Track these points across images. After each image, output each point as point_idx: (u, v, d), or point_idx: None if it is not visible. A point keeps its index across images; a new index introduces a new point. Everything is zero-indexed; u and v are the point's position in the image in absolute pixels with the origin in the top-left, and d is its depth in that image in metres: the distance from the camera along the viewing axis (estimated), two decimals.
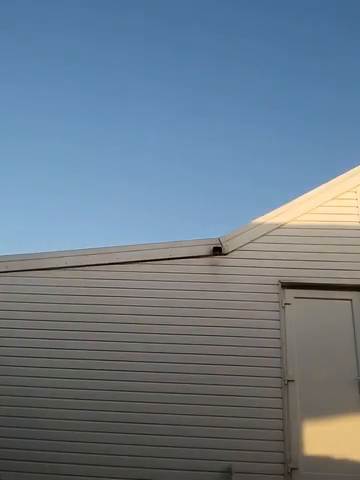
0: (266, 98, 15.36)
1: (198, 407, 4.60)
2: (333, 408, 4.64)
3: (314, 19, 13.96)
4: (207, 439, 4.47)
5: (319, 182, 5.68)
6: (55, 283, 5.21)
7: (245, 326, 4.90)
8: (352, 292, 5.07)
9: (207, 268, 5.25)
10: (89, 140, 16.02)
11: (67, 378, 4.74)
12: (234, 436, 4.47)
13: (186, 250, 5.33)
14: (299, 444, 4.49)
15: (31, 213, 16.75)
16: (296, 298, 5.09)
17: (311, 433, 4.55)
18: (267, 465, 4.35)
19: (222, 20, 13.99)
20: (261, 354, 4.78)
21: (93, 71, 15.03)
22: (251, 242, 5.35)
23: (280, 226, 5.43)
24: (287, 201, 5.59)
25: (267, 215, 5.50)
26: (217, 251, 5.27)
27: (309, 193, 5.60)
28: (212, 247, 5.29)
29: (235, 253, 5.31)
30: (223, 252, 5.28)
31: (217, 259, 5.29)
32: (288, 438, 4.48)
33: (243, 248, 5.32)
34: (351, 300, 5.06)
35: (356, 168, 5.72)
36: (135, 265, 5.28)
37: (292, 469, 4.35)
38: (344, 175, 5.69)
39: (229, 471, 4.29)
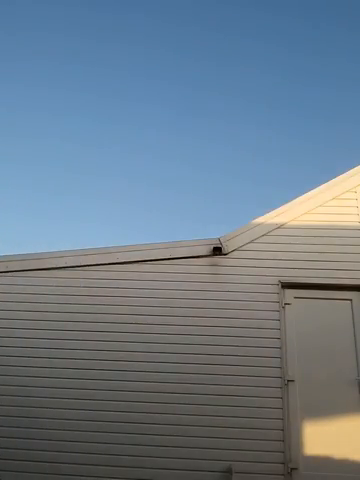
0: (266, 98, 15.38)
1: (198, 407, 4.60)
2: (333, 408, 4.63)
3: (314, 19, 13.98)
4: (207, 439, 4.47)
5: (319, 182, 5.69)
6: (55, 283, 5.21)
7: (245, 326, 4.90)
8: (352, 292, 5.07)
9: (207, 268, 5.25)
10: (89, 140, 16.04)
11: (67, 378, 4.74)
12: (234, 436, 4.47)
13: (186, 250, 5.33)
14: (299, 444, 4.49)
15: (31, 213, 16.77)
16: (296, 298, 5.09)
17: (311, 433, 4.55)
18: (267, 465, 4.35)
19: (222, 20, 14.01)
20: (261, 354, 4.78)
21: (93, 71, 15.05)
22: (251, 242, 5.35)
23: (280, 226, 5.43)
24: (287, 201, 5.59)
25: (267, 215, 5.50)
26: (217, 251, 5.27)
27: (309, 193, 5.60)
28: (212, 247, 5.29)
29: (235, 253, 5.31)
30: (223, 252, 5.28)
31: (217, 259, 5.29)
32: (288, 438, 4.48)
33: (243, 248, 5.32)
34: (351, 300, 5.06)
35: (356, 168, 5.72)
36: (135, 265, 5.28)
37: (292, 469, 4.35)
38: (344, 175, 5.69)
39: (229, 471, 4.29)
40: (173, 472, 4.38)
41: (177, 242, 5.40)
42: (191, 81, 15.45)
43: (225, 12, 13.79)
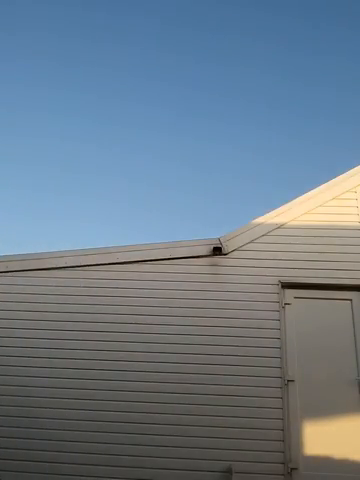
0: (266, 98, 15.39)
1: (198, 407, 4.60)
2: (333, 408, 4.63)
3: (314, 19, 13.99)
4: (207, 439, 4.47)
5: (319, 182, 5.69)
6: (55, 283, 5.21)
7: (245, 326, 4.90)
8: (352, 292, 5.07)
9: (207, 268, 5.25)
10: (89, 140, 16.04)
11: (67, 378, 4.74)
12: (234, 436, 4.47)
13: (186, 250, 5.33)
14: (299, 444, 4.49)
15: (31, 213, 16.77)
16: (296, 298, 5.09)
17: (311, 433, 4.55)
18: (267, 465, 4.35)
19: (222, 20, 14.01)
20: (261, 354, 4.78)
21: (93, 71, 15.05)
22: (251, 242, 5.35)
23: (280, 226, 5.43)
24: (287, 201, 5.59)
25: (267, 215, 5.50)
26: (217, 251, 5.27)
27: (309, 193, 5.61)
28: (212, 247, 5.29)
29: (235, 253, 5.31)
30: (223, 252, 5.28)
31: (217, 259, 5.29)
32: (288, 438, 4.48)
33: (243, 248, 5.32)
34: (351, 300, 5.06)
35: (356, 168, 5.72)
36: (135, 265, 5.28)
37: (292, 469, 4.35)
38: (344, 175, 5.69)
39: (229, 471, 4.29)
40: (173, 472, 4.38)
41: (177, 242, 5.40)
42: (191, 81, 15.47)
43: (225, 12, 13.80)
